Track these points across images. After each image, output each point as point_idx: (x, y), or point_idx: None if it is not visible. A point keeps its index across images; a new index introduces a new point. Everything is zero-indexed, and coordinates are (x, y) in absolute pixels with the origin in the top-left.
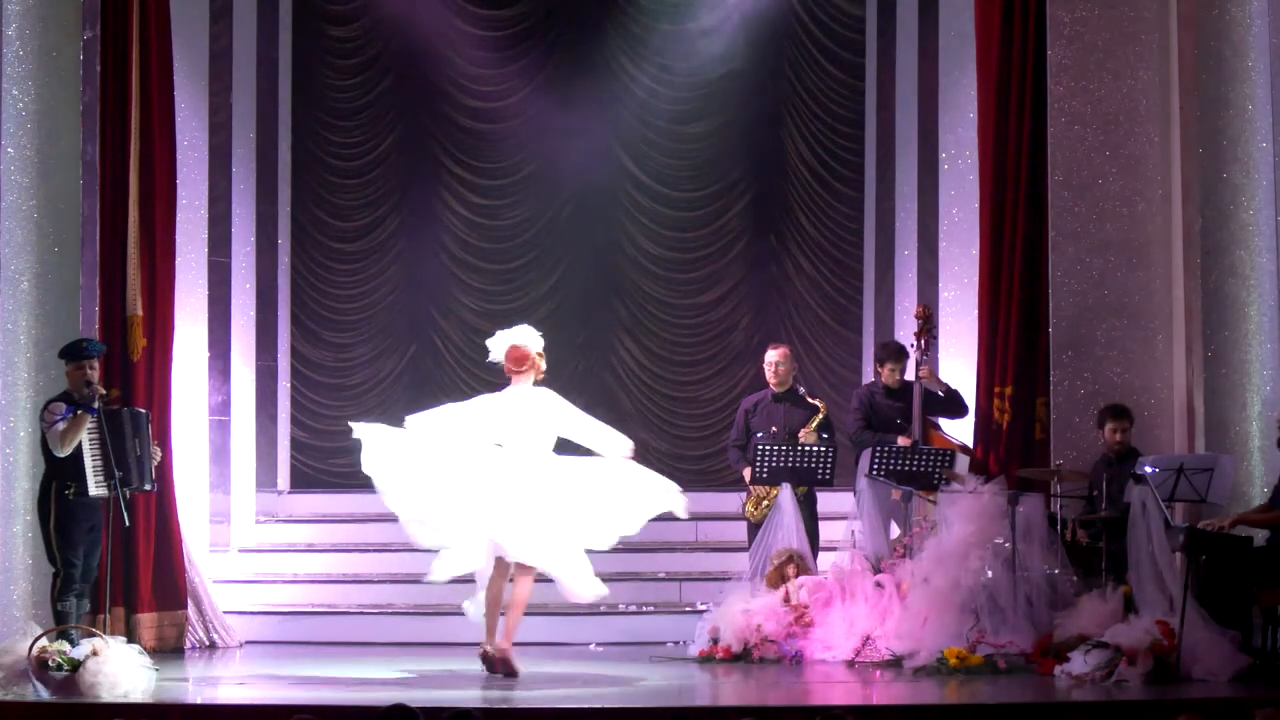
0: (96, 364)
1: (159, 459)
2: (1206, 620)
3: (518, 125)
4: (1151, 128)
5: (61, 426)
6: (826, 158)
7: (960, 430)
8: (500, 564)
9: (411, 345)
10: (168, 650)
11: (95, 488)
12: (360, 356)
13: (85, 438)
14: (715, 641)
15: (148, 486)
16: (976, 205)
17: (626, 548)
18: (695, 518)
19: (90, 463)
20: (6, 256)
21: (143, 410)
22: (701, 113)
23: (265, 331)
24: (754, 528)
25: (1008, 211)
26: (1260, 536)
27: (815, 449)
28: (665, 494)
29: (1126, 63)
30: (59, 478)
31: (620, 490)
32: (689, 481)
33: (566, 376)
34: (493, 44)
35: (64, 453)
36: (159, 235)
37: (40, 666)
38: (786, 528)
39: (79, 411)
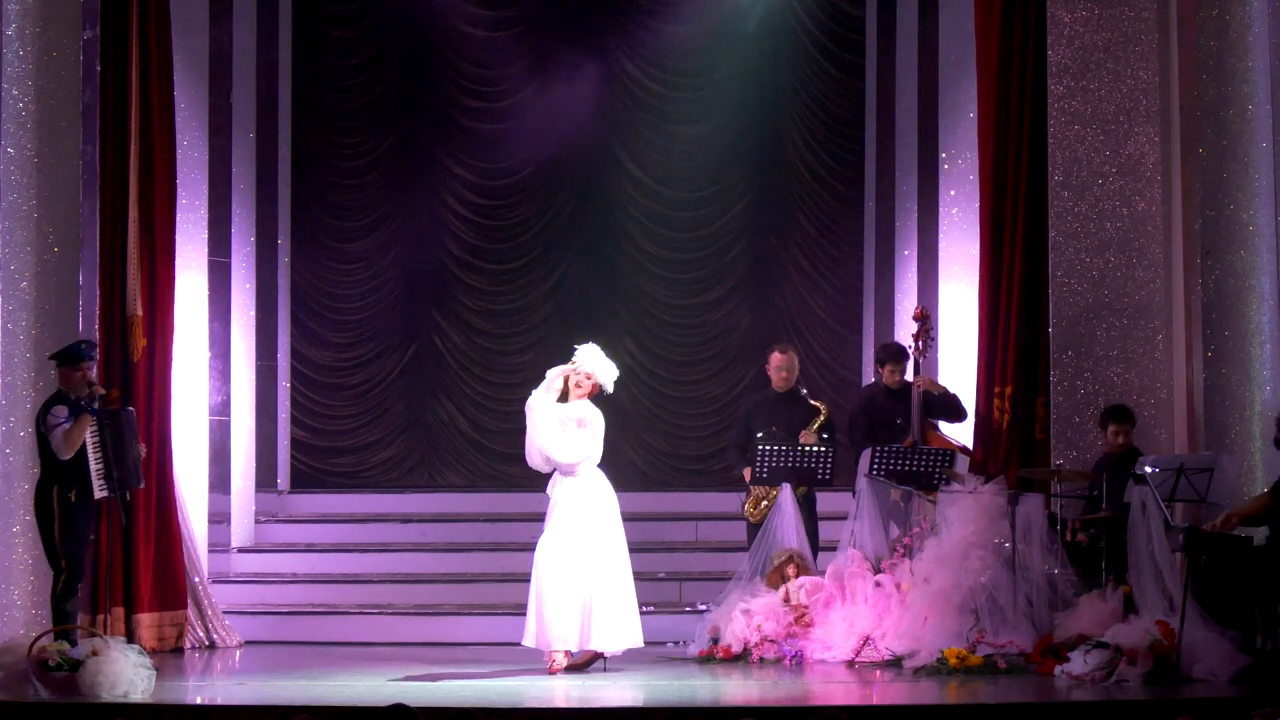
0: (94, 364)
1: (144, 454)
2: (1206, 620)
3: (518, 125)
4: (1151, 128)
5: (66, 427)
6: (826, 158)
7: (960, 430)
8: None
9: (411, 345)
10: (168, 650)
11: (99, 490)
12: (360, 356)
13: (87, 439)
14: (715, 641)
15: (141, 484)
16: (976, 205)
17: (628, 548)
18: (695, 518)
19: (94, 466)
20: (6, 256)
21: (131, 409)
22: (701, 113)
23: (265, 331)
24: (754, 528)
25: (1008, 211)
26: (1260, 536)
27: (815, 449)
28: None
29: (1126, 63)
30: (61, 480)
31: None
32: (689, 481)
33: None
34: (493, 44)
35: (68, 455)
36: (159, 235)
37: (40, 666)
38: (786, 528)
39: (81, 414)
